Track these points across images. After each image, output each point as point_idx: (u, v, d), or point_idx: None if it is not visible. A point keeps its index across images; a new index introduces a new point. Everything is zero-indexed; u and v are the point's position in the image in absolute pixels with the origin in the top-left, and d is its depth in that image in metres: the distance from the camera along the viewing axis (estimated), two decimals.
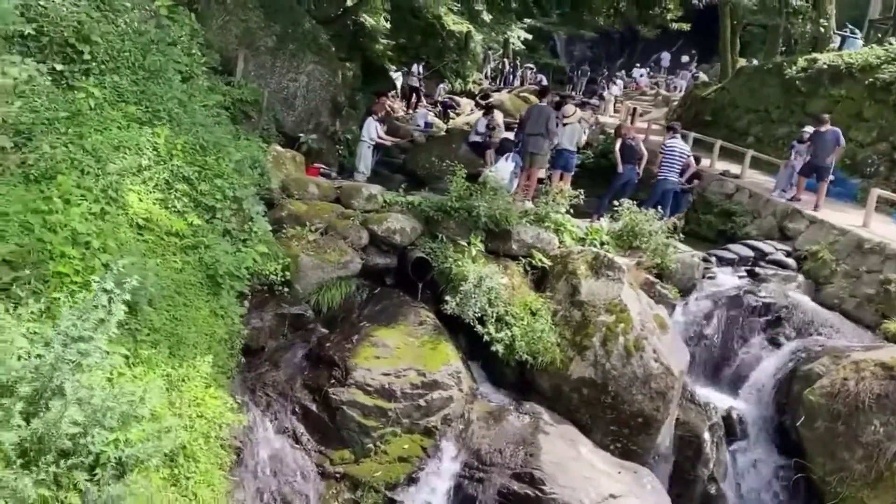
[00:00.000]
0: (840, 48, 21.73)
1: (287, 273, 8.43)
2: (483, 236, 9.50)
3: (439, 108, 28.22)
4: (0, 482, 4.05)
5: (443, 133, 21.75)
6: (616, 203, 10.96)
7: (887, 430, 8.25)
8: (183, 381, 6.38)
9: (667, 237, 10.66)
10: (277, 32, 11.83)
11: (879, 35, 24.84)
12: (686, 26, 26.38)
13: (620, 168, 12.68)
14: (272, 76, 11.89)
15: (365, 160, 12.07)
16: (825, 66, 18.94)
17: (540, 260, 9.44)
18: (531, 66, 45.04)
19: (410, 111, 25.26)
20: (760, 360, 10.23)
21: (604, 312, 8.48)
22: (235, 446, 6.84)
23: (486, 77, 45.23)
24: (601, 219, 11.55)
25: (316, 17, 14.40)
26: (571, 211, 10.39)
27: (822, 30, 20.84)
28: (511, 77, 43.58)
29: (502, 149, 12.23)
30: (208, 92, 9.86)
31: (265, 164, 9.25)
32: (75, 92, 7.39)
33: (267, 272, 8.16)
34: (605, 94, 34.99)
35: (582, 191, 10.63)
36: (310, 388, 7.72)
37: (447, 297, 8.54)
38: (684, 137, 16.19)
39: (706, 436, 9.18)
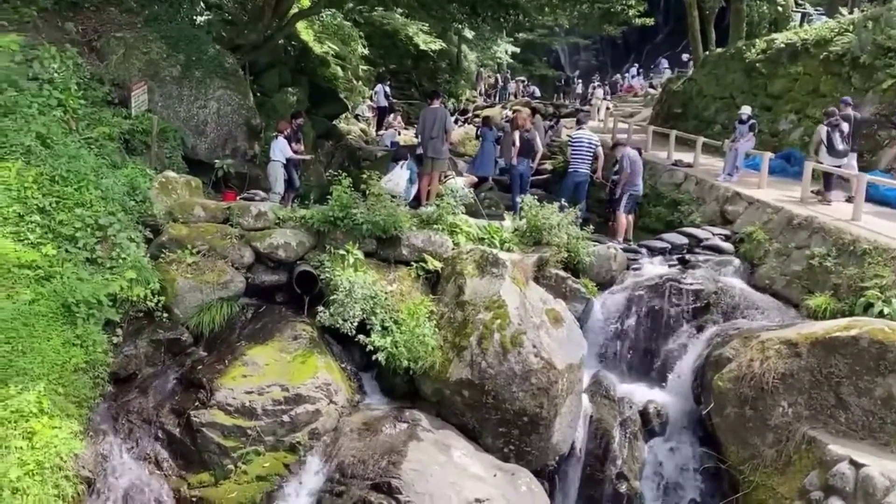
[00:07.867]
0: (800, 26, 21.19)
1: (162, 298, 8.30)
2: (373, 245, 9.29)
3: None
4: None
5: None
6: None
7: (795, 410, 7.78)
8: (11, 411, 6.27)
9: (581, 230, 10.32)
10: (182, 62, 11.84)
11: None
12: (650, 21, 25.92)
13: (515, 160, 12.38)
14: (180, 105, 11.86)
15: (279, 180, 11.97)
16: (783, 45, 18.46)
17: (432, 263, 9.17)
18: (522, 78, 45.03)
19: (381, 132, 25.21)
20: (687, 349, 9.78)
21: (483, 310, 8.15)
22: (85, 476, 6.70)
23: (481, 94, 45.38)
24: (507, 217, 11.23)
25: (240, 44, 14.40)
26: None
27: (779, 9, 20.29)
28: (504, 91, 43.54)
29: (397, 156, 12.03)
30: (96, 124, 9.88)
31: (146, 190, 9.17)
32: None
33: (135, 298, 8.03)
34: (594, 100, 34.72)
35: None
36: (176, 412, 7.56)
37: (320, 309, 8.33)
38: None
39: (616, 432, 8.77)
